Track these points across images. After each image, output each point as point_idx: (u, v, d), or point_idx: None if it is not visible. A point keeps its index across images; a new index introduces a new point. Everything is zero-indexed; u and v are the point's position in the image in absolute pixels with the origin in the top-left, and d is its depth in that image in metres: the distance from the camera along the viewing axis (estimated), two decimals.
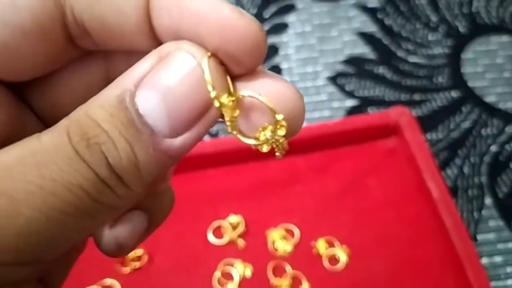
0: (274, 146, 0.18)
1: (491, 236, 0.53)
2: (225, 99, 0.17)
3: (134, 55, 0.19)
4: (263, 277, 0.49)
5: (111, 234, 0.21)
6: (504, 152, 0.58)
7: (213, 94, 0.17)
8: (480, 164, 0.57)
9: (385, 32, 0.68)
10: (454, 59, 0.65)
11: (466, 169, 0.57)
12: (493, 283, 0.49)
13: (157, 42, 0.18)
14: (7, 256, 0.16)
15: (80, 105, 0.17)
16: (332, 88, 0.63)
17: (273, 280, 0.48)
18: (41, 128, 0.19)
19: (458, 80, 0.64)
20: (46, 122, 0.21)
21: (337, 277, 0.49)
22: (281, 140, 0.18)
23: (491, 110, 0.61)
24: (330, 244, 0.50)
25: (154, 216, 0.22)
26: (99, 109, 0.16)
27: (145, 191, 0.18)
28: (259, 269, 0.49)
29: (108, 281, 0.48)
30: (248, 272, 0.49)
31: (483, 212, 0.54)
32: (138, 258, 0.49)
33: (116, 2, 0.17)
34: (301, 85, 0.63)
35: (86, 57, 0.20)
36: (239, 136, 0.18)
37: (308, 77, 0.64)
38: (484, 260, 0.51)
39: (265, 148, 0.18)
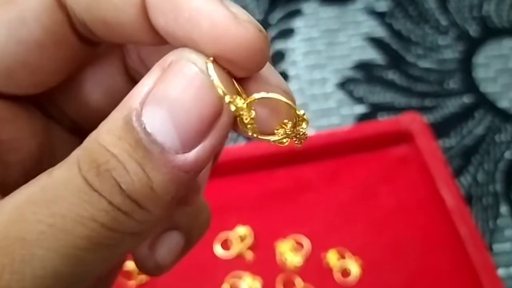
0: (295, 138, 0.18)
1: (507, 246, 0.51)
2: (239, 102, 0.16)
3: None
4: None
5: (149, 255, 0.21)
6: None
7: (227, 98, 0.16)
8: (495, 171, 0.55)
9: (394, 36, 0.67)
10: (466, 64, 0.64)
11: (480, 177, 0.55)
12: None
13: (160, 36, 0.18)
14: None
15: (104, 103, 0.18)
16: (341, 95, 0.62)
17: None
18: (67, 137, 0.20)
19: (470, 85, 0.62)
20: (77, 127, 0.21)
21: None
22: (301, 132, 0.18)
23: (505, 116, 0.59)
24: (342, 256, 0.49)
25: (191, 235, 0.22)
26: (107, 134, 0.16)
27: (168, 211, 0.17)
28: (268, 282, 0.48)
29: None
30: (257, 285, 0.47)
31: (499, 221, 0.52)
32: None
33: (112, 1, 0.17)
34: (309, 92, 0.62)
35: (103, 53, 0.20)
36: (260, 137, 0.18)
37: (316, 84, 0.63)
38: (501, 271, 0.49)
39: (285, 142, 0.18)
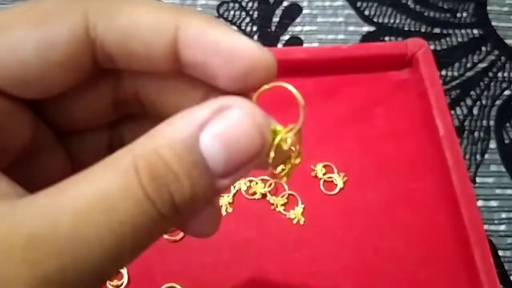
0: (284, 174, 0.22)
1: (490, 180, 0.52)
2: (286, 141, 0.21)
3: (144, 75, 0.22)
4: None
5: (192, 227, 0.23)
6: None
7: (277, 138, 0.21)
8: (491, 107, 0.56)
9: None
10: None
11: (475, 110, 0.55)
12: (486, 227, 0.49)
13: (181, 67, 0.20)
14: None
15: (85, 117, 0.23)
16: (350, 10, 0.61)
17: (269, 198, 0.48)
18: (49, 134, 0.23)
19: (481, 18, 0.61)
20: (57, 128, 0.23)
21: (331, 201, 0.48)
22: (290, 169, 0.22)
23: (511, 53, 0.59)
24: (328, 170, 0.50)
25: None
26: (168, 150, 0.18)
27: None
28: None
29: None
30: (244, 187, 0.48)
31: (486, 155, 0.53)
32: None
33: (145, 38, 0.19)
34: (319, 3, 0.61)
35: (99, 74, 0.22)
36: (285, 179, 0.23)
37: None
38: (480, 203, 0.51)
39: (284, 180, 0.23)
